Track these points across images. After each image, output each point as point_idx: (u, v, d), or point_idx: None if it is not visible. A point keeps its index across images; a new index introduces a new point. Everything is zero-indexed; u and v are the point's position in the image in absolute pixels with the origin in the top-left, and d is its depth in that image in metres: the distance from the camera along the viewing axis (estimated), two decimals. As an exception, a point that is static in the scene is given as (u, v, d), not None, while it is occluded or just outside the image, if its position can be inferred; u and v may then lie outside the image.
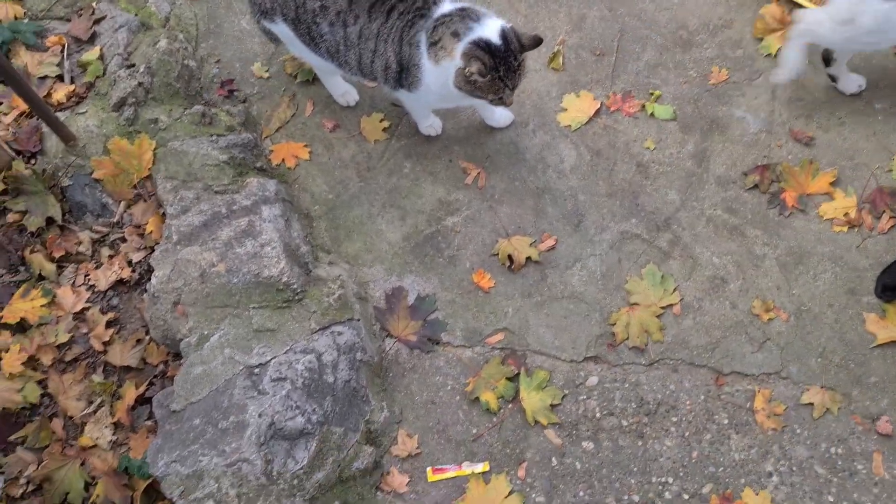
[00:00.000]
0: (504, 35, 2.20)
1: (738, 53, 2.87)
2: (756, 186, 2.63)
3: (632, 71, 2.86)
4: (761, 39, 2.86)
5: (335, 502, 2.12)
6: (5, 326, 2.42)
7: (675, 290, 2.49)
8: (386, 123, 2.79)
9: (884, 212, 2.54)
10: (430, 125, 2.72)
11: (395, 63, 2.35)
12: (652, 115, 2.77)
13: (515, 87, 2.28)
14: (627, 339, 2.43)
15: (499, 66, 2.19)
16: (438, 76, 2.30)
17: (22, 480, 2.27)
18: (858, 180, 2.61)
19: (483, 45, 2.18)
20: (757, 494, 2.20)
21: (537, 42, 2.25)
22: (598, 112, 2.78)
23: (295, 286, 2.28)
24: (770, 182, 2.62)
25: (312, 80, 2.87)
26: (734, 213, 2.60)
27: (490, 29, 2.20)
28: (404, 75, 2.37)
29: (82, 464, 2.27)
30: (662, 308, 2.47)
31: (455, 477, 2.29)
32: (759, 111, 2.76)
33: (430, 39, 2.25)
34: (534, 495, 2.26)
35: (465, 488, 2.26)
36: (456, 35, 2.22)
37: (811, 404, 2.32)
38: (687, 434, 2.32)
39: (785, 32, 2.80)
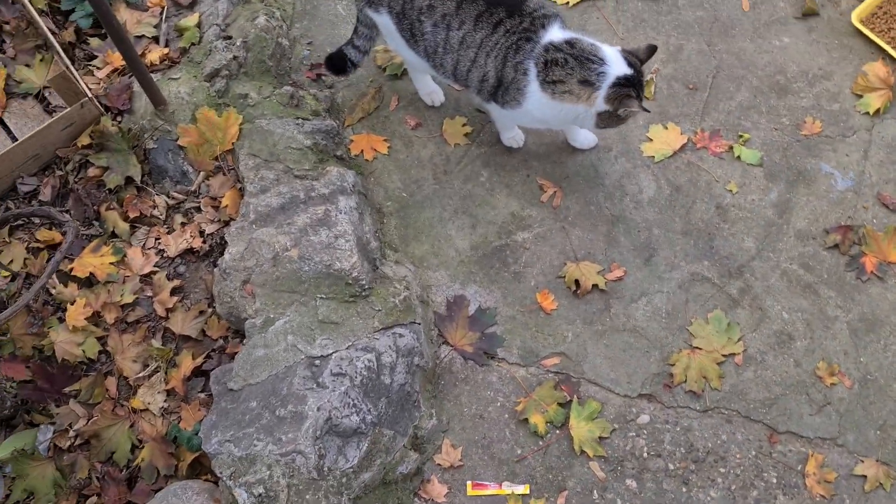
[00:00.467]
0: (629, 62, 2.25)
1: (834, 107, 2.81)
2: (836, 246, 2.57)
3: (723, 110, 2.81)
4: (860, 96, 2.80)
5: None
6: (74, 279, 2.45)
7: (739, 339, 2.45)
8: (468, 129, 2.77)
9: (965, 291, 2.47)
10: (513, 137, 2.70)
11: (494, 78, 2.34)
12: (738, 157, 2.72)
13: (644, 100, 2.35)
14: (685, 381, 2.40)
15: (639, 91, 2.26)
16: (550, 109, 2.33)
17: (71, 433, 2.30)
18: (943, 255, 2.54)
19: (624, 83, 2.23)
20: (799, 561, 2.17)
21: (653, 51, 2.32)
22: (683, 147, 2.74)
23: (363, 282, 2.28)
24: (851, 244, 2.57)
25: (401, 75, 2.86)
26: (810, 270, 2.55)
27: (617, 63, 2.24)
28: (501, 92, 2.36)
29: (132, 426, 2.30)
30: (724, 356, 2.43)
31: (494, 495, 2.28)
32: (848, 169, 2.70)
33: (546, 76, 2.26)
34: (570, 525, 2.25)
35: (502, 508, 2.25)
36: (588, 83, 2.24)
37: (864, 476, 2.28)
38: (733, 487, 2.28)
39: (887, 93, 2.74)
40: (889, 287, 2.52)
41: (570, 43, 2.25)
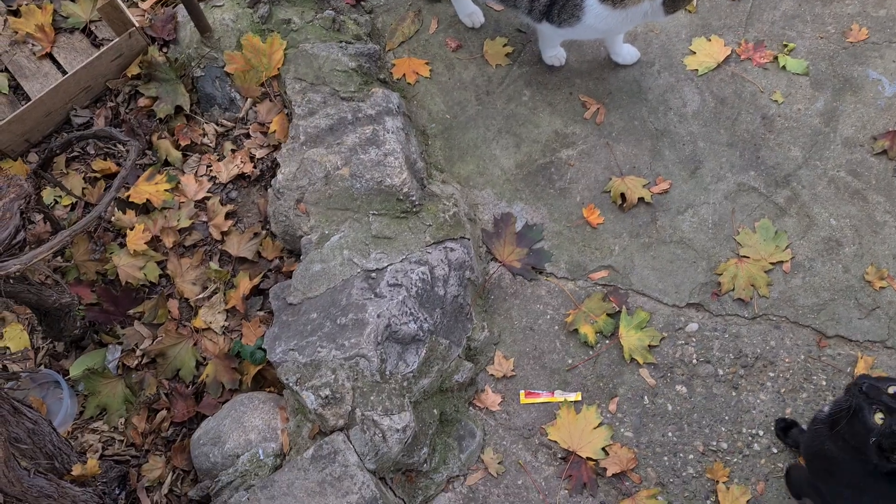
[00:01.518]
0: None
1: (880, 13, 2.75)
2: (884, 152, 2.55)
3: (767, 20, 2.78)
4: (909, 0, 2.74)
5: (434, 410, 2.19)
6: (131, 206, 2.52)
7: (787, 247, 2.46)
8: (509, 49, 2.77)
9: None
10: (556, 55, 2.69)
11: None
12: (783, 67, 2.69)
13: None
14: (733, 290, 2.43)
15: None
16: (613, 18, 2.28)
17: (138, 353, 2.40)
18: None
19: None
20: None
21: None
22: (727, 59, 2.72)
23: (414, 198, 2.32)
24: (900, 149, 2.55)
25: (440, -4, 2.85)
26: (858, 177, 2.54)
27: None
28: (557, 11, 2.34)
29: (195, 344, 2.39)
30: (772, 264, 2.45)
31: (547, 402, 2.35)
32: (895, 75, 2.66)
33: None
34: (622, 430, 2.31)
35: (555, 414, 2.31)
36: None
37: (913, 377, 2.30)
38: (783, 391, 2.32)
39: (937, -5, 2.68)
40: (939, 191, 2.50)
41: None
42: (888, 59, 2.69)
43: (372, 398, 2.01)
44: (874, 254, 2.44)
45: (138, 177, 2.53)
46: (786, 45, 2.72)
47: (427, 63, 2.77)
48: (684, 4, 2.31)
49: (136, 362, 2.39)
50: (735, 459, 2.25)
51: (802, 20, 2.77)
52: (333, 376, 2.00)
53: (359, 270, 2.19)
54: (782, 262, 2.45)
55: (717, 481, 2.21)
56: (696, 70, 2.71)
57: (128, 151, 2.38)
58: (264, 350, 2.16)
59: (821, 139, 2.60)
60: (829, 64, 2.70)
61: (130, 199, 2.50)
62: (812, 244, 2.47)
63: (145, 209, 2.53)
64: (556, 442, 2.28)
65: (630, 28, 2.51)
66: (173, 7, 2.68)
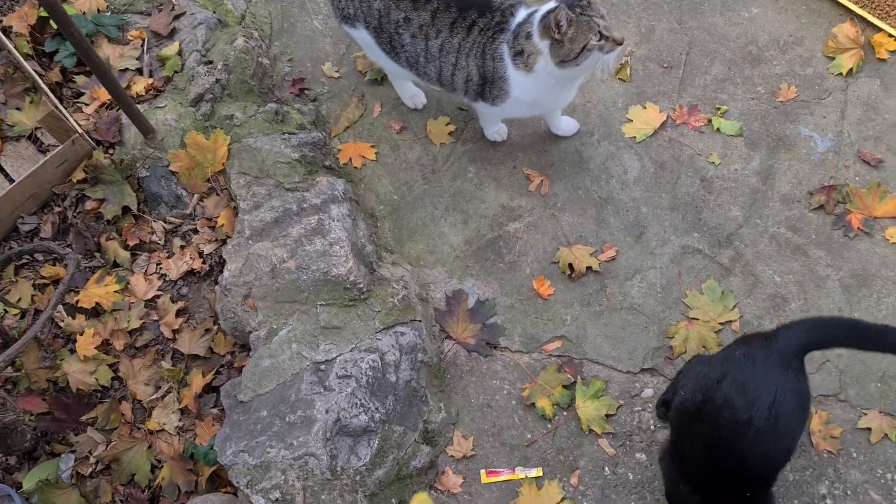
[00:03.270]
0: None
1: (807, 71, 2.85)
2: (821, 207, 2.61)
3: (699, 85, 2.86)
4: (832, 58, 2.84)
5: (392, 500, 2.17)
6: (80, 310, 2.51)
7: (734, 306, 2.49)
8: (452, 127, 2.83)
9: (953, 238, 2.51)
10: (497, 131, 2.76)
11: (478, 76, 2.39)
12: (718, 129, 2.77)
13: (604, 17, 2.20)
14: (685, 352, 2.45)
15: (574, 5, 2.18)
16: (532, 83, 2.33)
17: (91, 459, 2.36)
18: (927, 205, 2.58)
19: (552, 9, 2.19)
20: (811, 516, 2.21)
21: None
22: (663, 125, 2.79)
23: (361, 285, 2.33)
24: (836, 203, 2.61)
25: (381, 79, 2.92)
26: (798, 233, 2.59)
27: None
28: (488, 88, 2.41)
29: (149, 447, 2.36)
30: (721, 324, 2.48)
31: (508, 480, 2.33)
32: (827, 131, 2.74)
33: (513, 49, 2.29)
34: (585, 503, 2.29)
35: (517, 492, 2.30)
36: (529, 36, 2.25)
37: (869, 429, 2.31)
38: (742, 452, 2.32)
39: (858, 52, 2.79)
40: (877, 242, 2.55)
41: (531, 13, 2.28)
42: (818, 116, 2.77)
43: (323, 497, 1.99)
44: (819, 308, 2.48)
45: (87, 279, 2.53)
46: (719, 108, 2.80)
47: (373, 146, 2.82)
48: (572, 55, 2.20)
49: (90, 469, 2.35)
50: (699, 527, 2.24)
51: (733, 83, 2.86)
52: (283, 477, 1.98)
53: (308, 363, 2.19)
54: (731, 321, 2.48)
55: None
56: (635, 137, 2.78)
57: (66, 266, 2.38)
58: (216, 450, 2.14)
59: (759, 197, 2.66)
60: (761, 123, 2.78)
61: (79, 304, 2.49)
62: (759, 302, 2.51)
63: (95, 312, 2.53)
64: (519, 521, 2.27)
65: (554, 99, 2.50)
66: (117, 110, 2.72)
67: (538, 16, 2.26)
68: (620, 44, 2.21)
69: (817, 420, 2.32)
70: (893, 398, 2.35)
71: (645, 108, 2.81)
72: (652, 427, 2.37)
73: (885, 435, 2.30)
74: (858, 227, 2.57)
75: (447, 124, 2.84)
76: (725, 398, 1.85)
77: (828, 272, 2.53)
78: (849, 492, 2.25)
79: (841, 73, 2.81)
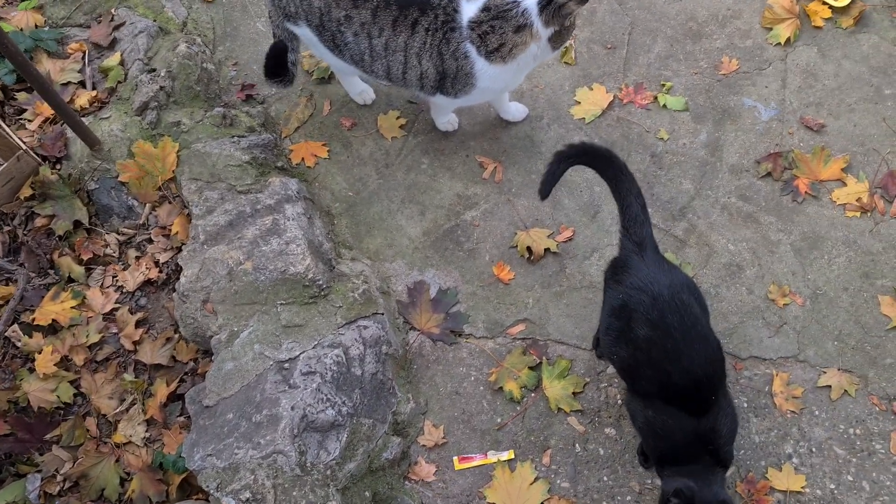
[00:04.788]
0: None
1: (747, 43, 2.91)
2: (769, 174, 2.67)
3: (643, 63, 2.90)
4: (770, 29, 2.90)
5: (366, 492, 2.17)
6: (37, 328, 2.47)
7: (692, 277, 2.53)
8: (403, 121, 2.84)
9: (896, 196, 2.58)
10: (448, 121, 2.77)
11: (435, 74, 2.40)
12: (664, 106, 2.81)
13: None
14: (646, 326, 2.47)
15: None
16: (507, 73, 2.38)
17: (59, 478, 2.32)
18: (870, 165, 2.65)
19: (545, 1, 2.24)
20: (780, 470, 2.24)
21: None
22: (610, 105, 2.83)
23: (320, 282, 2.33)
24: (783, 169, 2.66)
25: (329, 78, 2.91)
26: (748, 201, 2.64)
27: None
28: (450, 84, 2.42)
29: (117, 460, 2.33)
30: (680, 295, 2.51)
31: (481, 465, 2.34)
32: (769, 100, 2.80)
33: (487, 49, 2.31)
34: (559, 481, 2.31)
35: (491, 476, 2.31)
36: (520, 28, 2.27)
37: (829, 387, 2.36)
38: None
39: (794, 21, 2.85)
40: (824, 204, 2.61)
41: (484, 9, 2.30)
42: (760, 86, 2.83)
43: (294, 493, 1.98)
44: (774, 272, 2.53)
45: (42, 297, 2.49)
46: (664, 85, 2.84)
47: (324, 144, 2.81)
48: (567, 37, 2.37)
49: (57, 488, 2.31)
50: (671, 495, 2.27)
51: (676, 59, 2.90)
52: (252, 477, 1.97)
53: (271, 363, 2.18)
54: (689, 292, 2.51)
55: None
56: (584, 118, 2.81)
57: (17, 281, 2.35)
58: (184, 458, 2.12)
59: (709, 169, 2.71)
60: (706, 97, 2.82)
61: (36, 322, 2.45)
62: (715, 271, 2.55)
63: (53, 329, 2.49)
64: (495, 504, 2.28)
65: (522, 79, 2.58)
66: (61, 124, 2.68)
67: (532, 6, 2.25)
68: None
69: (779, 382, 2.37)
70: (850, 355, 2.40)
71: (591, 89, 2.85)
72: (619, 401, 2.40)
73: (845, 391, 2.35)
74: (806, 192, 2.62)
75: (398, 118, 2.84)
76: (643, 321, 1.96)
77: (779, 237, 2.58)
78: (814, 449, 2.29)
79: (779, 43, 2.87)
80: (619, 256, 2.12)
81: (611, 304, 2.07)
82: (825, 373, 2.38)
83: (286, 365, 2.17)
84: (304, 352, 2.20)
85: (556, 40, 2.35)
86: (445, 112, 2.75)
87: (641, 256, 2.04)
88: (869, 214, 2.58)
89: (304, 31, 2.49)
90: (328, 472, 2.06)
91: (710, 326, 2.02)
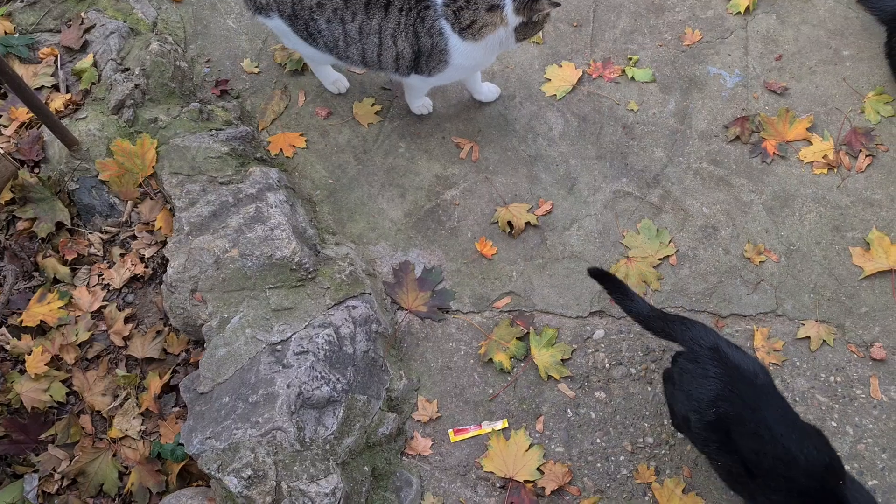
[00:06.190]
0: None
1: (708, 14, 2.99)
2: (737, 138, 2.74)
3: (609, 39, 2.97)
4: (729, -1, 2.99)
5: (365, 467, 2.20)
6: (25, 330, 2.47)
7: (670, 241, 2.60)
8: (378, 107, 2.88)
9: (860, 151, 2.67)
10: (423, 104, 2.81)
11: (410, 53, 2.43)
12: (632, 78, 2.88)
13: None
14: (628, 290, 2.53)
15: None
16: (478, 51, 2.42)
17: (56, 476, 2.32)
18: (833, 124, 2.74)
19: None
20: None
21: None
22: (580, 80, 2.89)
23: (307, 265, 2.35)
24: (750, 133, 2.74)
25: (302, 69, 2.94)
26: (719, 165, 2.71)
27: None
28: (424, 62, 2.46)
29: (114, 455, 2.33)
30: (659, 259, 2.57)
31: (476, 436, 2.38)
32: (733, 67, 2.88)
33: (460, 25, 2.35)
34: (553, 446, 2.35)
35: (486, 446, 2.35)
36: (494, 7, 2.32)
37: (808, 338, 2.43)
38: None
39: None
40: (792, 163, 2.69)
41: None
42: (724, 54, 2.91)
43: (295, 468, 2.00)
44: (748, 231, 2.60)
45: (28, 300, 2.49)
46: (630, 59, 2.91)
47: (301, 135, 2.84)
48: (534, 32, 2.44)
49: (56, 487, 2.31)
50: (662, 452, 2.33)
51: (640, 33, 2.97)
52: (253, 455, 1.99)
53: (263, 346, 2.20)
54: (668, 256, 2.58)
55: (650, 483, 2.27)
56: (555, 95, 2.87)
57: (4, 278, 2.35)
58: (183, 445, 2.13)
59: (679, 137, 2.78)
60: (672, 68, 2.90)
61: (24, 324, 2.45)
62: (691, 234, 2.62)
63: (41, 330, 2.49)
64: (492, 472, 2.31)
65: (491, 61, 2.65)
66: (38, 128, 2.69)
67: None
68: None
69: (759, 336, 2.43)
70: (826, 306, 2.48)
71: (561, 66, 2.91)
72: (607, 365, 2.45)
73: (824, 341, 2.43)
74: (774, 152, 2.70)
75: (373, 105, 2.88)
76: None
77: (751, 197, 2.65)
78: (797, 399, 2.36)
79: (739, 12, 2.96)
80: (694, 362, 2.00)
81: (701, 418, 1.97)
82: (803, 325, 2.45)
83: (279, 347, 2.19)
84: (295, 333, 2.22)
85: (521, 32, 2.40)
86: (419, 95, 2.79)
87: (719, 361, 1.95)
88: (836, 171, 2.66)
89: (276, 23, 2.52)
90: (327, 447, 2.08)
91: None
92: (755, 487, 1.92)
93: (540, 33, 2.96)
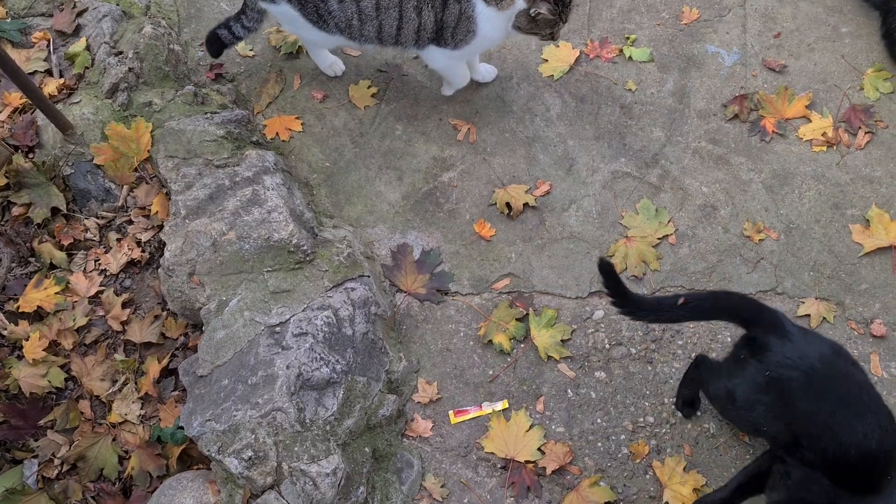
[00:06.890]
0: None
1: (706, -8, 2.97)
2: (736, 116, 2.73)
3: (606, 18, 2.95)
4: (727, -23, 2.96)
5: (366, 448, 2.19)
6: (22, 316, 2.46)
7: (669, 220, 2.59)
8: (374, 90, 2.86)
9: (859, 128, 2.66)
10: (464, 77, 2.75)
11: (433, 24, 2.40)
12: (630, 58, 2.86)
13: (567, 21, 2.43)
14: (626, 269, 2.53)
15: (558, 3, 2.34)
16: (502, 21, 2.39)
17: (56, 462, 2.32)
18: (832, 101, 2.72)
19: None
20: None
21: None
22: (578, 60, 2.87)
23: (305, 247, 2.34)
24: (749, 111, 2.73)
25: (297, 52, 2.92)
26: (718, 144, 2.70)
27: None
28: (450, 33, 2.42)
29: (114, 439, 2.33)
30: (658, 238, 2.56)
31: (477, 417, 2.37)
32: (732, 45, 2.86)
33: None
34: (554, 426, 2.35)
35: (487, 427, 2.34)
36: None
37: (808, 315, 2.43)
38: (694, 355, 2.41)
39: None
40: (791, 141, 2.68)
41: None
42: (722, 33, 2.89)
43: (296, 448, 2.00)
44: (747, 210, 2.59)
45: (25, 286, 2.48)
46: (628, 38, 2.89)
47: (297, 118, 2.82)
48: (528, 31, 2.43)
49: (55, 472, 2.31)
50: (664, 430, 2.32)
51: (638, 12, 2.96)
52: (253, 436, 1.99)
53: (262, 328, 2.19)
54: (667, 235, 2.57)
55: (646, 456, 2.27)
56: (552, 76, 2.85)
57: (0, 262, 2.34)
58: (183, 428, 2.12)
59: (677, 116, 2.76)
60: (670, 47, 2.88)
61: (21, 310, 2.44)
62: (690, 213, 2.61)
63: (38, 316, 2.48)
64: (493, 453, 2.31)
65: (503, 40, 2.60)
66: (31, 113, 2.66)
67: None
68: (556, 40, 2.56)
69: (759, 314, 2.43)
70: (826, 284, 2.47)
71: (558, 46, 2.89)
72: (607, 346, 2.44)
73: (824, 318, 2.42)
74: (773, 130, 2.69)
75: (369, 87, 2.86)
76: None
77: (750, 176, 2.64)
78: (797, 376, 2.35)
79: (737, -10, 2.94)
80: (753, 339, 1.97)
81: (751, 379, 1.93)
82: (804, 303, 2.45)
83: (277, 329, 2.18)
84: (294, 315, 2.21)
85: (517, 23, 2.39)
86: (458, 70, 2.70)
87: (782, 334, 1.91)
88: (835, 148, 2.65)
89: (282, 9, 2.48)
90: (328, 428, 2.08)
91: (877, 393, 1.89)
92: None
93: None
